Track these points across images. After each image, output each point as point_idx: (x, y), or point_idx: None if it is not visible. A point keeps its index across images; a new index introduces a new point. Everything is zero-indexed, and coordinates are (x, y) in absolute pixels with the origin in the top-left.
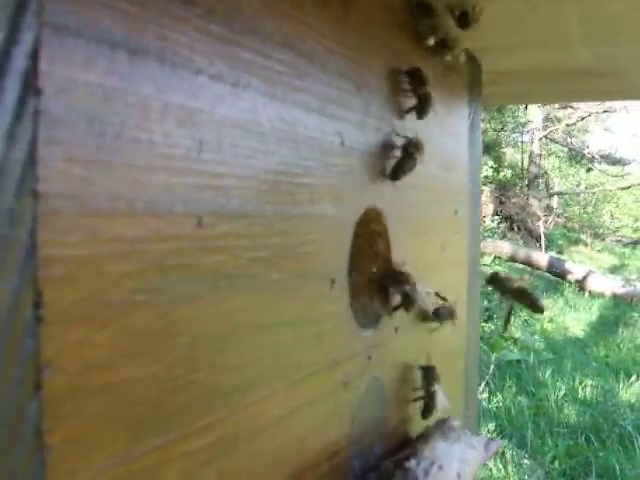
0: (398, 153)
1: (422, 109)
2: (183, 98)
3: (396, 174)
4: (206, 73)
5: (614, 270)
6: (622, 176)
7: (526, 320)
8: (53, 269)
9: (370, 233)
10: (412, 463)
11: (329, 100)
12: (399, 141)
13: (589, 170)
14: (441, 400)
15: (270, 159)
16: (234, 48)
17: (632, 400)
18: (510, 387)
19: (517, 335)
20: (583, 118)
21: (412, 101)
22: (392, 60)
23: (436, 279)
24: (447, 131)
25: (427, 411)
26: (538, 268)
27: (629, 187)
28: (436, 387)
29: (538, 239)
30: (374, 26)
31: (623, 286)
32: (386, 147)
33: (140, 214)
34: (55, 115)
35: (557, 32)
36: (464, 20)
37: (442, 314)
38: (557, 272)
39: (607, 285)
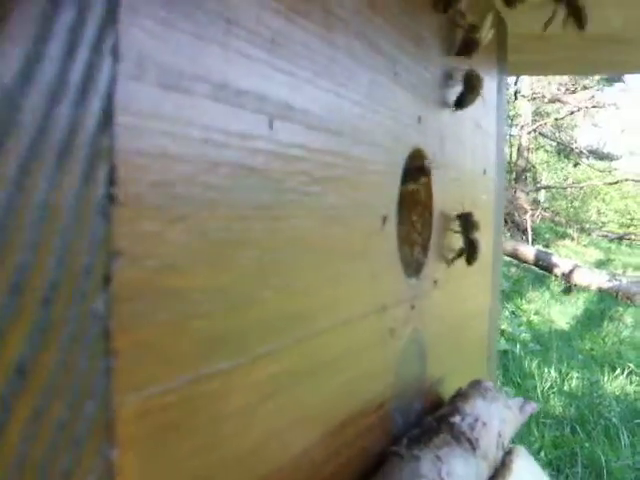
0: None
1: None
2: None
3: (461, 104)
4: None
5: (600, 265)
6: (609, 172)
7: (513, 312)
8: (129, 141)
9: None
10: (457, 418)
11: (386, 25)
12: (458, 74)
13: (576, 165)
14: (481, 246)
15: (333, 69)
16: None
17: (617, 392)
18: (497, 377)
19: (503, 327)
20: (572, 113)
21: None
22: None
23: None
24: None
25: (471, 258)
26: (525, 261)
27: (616, 182)
28: (476, 235)
29: (525, 232)
30: None
31: (609, 280)
32: (433, 85)
33: (216, 100)
34: None
35: None
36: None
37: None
38: (543, 265)
39: (593, 279)
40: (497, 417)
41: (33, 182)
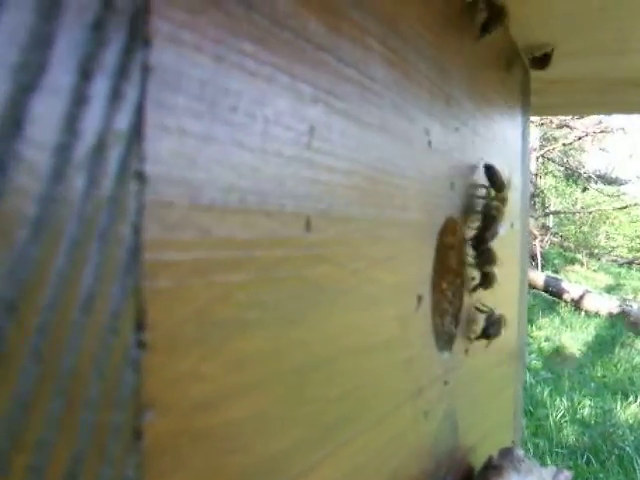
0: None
1: (490, 23)
2: (291, 67)
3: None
4: (313, 42)
5: (610, 290)
6: (618, 196)
7: None
8: (161, 278)
9: (443, 246)
10: None
11: (418, 90)
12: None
13: (585, 190)
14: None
15: (370, 153)
16: (337, 17)
17: (631, 421)
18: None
19: None
20: (580, 138)
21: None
22: (464, 56)
23: (493, 297)
24: (507, 141)
25: (481, 286)
26: (535, 287)
27: (625, 207)
28: (492, 268)
29: (534, 258)
30: (449, 21)
31: (619, 306)
32: (463, 144)
33: (252, 211)
34: (165, 73)
35: (620, 37)
36: (544, 61)
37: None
38: (553, 291)
39: (603, 305)
40: None
41: (53, 346)
